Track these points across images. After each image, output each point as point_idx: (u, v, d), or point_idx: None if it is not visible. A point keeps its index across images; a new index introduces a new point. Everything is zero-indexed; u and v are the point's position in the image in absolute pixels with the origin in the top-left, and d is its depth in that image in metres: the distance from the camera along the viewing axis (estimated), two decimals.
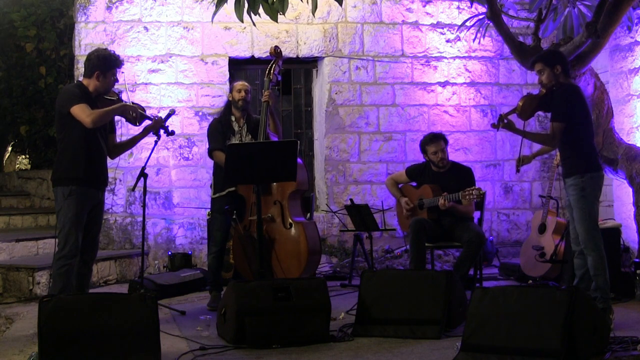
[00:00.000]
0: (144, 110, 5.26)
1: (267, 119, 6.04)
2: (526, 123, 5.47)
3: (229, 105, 6.24)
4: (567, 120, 4.96)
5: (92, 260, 5.29)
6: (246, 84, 6.26)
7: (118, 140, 5.44)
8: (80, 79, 5.25)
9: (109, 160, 5.28)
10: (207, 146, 6.19)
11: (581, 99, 5.09)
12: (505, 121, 5.08)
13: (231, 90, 6.25)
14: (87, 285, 5.23)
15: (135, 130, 5.42)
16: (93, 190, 5.08)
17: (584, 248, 4.98)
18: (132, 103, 5.22)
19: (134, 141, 5.41)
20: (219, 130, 6.10)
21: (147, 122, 5.27)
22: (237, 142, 6.02)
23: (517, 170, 5.25)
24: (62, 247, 4.92)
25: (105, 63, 5.06)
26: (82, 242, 5.04)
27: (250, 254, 5.88)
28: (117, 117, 5.36)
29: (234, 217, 6.00)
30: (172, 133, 5.27)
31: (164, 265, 7.94)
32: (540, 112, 8.77)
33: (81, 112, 4.91)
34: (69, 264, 4.92)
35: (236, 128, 6.14)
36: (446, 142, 6.34)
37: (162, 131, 5.24)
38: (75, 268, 5.04)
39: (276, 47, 6.25)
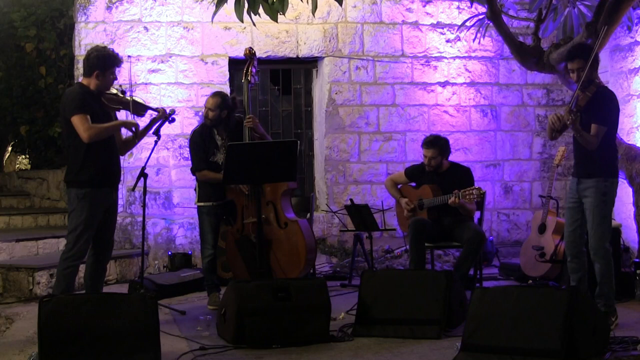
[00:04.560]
0: (139, 106, 5.25)
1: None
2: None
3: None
4: (609, 125, 4.91)
5: (107, 260, 5.36)
6: (211, 100, 6.05)
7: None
8: (80, 79, 5.27)
9: None
10: (190, 164, 6.15)
11: (618, 104, 5.08)
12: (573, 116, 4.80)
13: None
14: (102, 284, 5.30)
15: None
16: (107, 189, 5.09)
17: (594, 254, 4.91)
18: (132, 98, 5.21)
19: (141, 134, 5.35)
20: (201, 146, 6.02)
21: (152, 114, 5.32)
22: (222, 156, 5.94)
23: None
24: (70, 248, 4.94)
25: (105, 62, 5.06)
26: (98, 243, 5.09)
27: (248, 258, 5.84)
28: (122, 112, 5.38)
29: (225, 218, 5.97)
30: (159, 135, 5.34)
31: (164, 265, 7.93)
32: (540, 112, 8.76)
33: (80, 125, 4.90)
34: (75, 265, 4.97)
35: (219, 142, 6.05)
36: (442, 151, 6.27)
37: (160, 127, 5.31)
38: (89, 268, 5.11)
39: (250, 48, 6.19)
